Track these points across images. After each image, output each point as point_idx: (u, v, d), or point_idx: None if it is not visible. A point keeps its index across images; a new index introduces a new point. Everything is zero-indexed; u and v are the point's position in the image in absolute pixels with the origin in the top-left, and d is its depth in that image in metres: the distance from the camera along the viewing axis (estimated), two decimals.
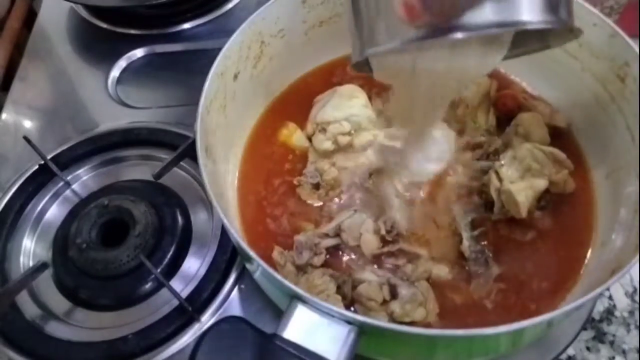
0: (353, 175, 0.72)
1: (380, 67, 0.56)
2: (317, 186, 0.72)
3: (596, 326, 0.71)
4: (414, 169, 0.70)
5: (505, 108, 0.75)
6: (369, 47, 0.50)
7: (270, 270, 0.51)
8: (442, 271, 0.64)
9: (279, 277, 0.51)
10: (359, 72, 0.57)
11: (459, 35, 0.44)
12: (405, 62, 0.54)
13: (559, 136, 0.73)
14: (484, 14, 0.44)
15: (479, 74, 0.58)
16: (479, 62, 0.54)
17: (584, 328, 0.68)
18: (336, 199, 0.71)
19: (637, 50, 0.63)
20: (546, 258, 0.65)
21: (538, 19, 0.45)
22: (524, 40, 0.56)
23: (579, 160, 0.71)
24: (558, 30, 0.51)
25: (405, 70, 0.54)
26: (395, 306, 0.60)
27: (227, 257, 0.74)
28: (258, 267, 0.54)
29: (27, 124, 0.94)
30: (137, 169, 0.85)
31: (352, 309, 0.63)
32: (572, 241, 0.67)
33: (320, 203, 0.71)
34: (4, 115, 0.95)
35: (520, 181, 0.65)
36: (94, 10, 1.08)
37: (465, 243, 0.65)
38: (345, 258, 0.66)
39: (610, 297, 0.73)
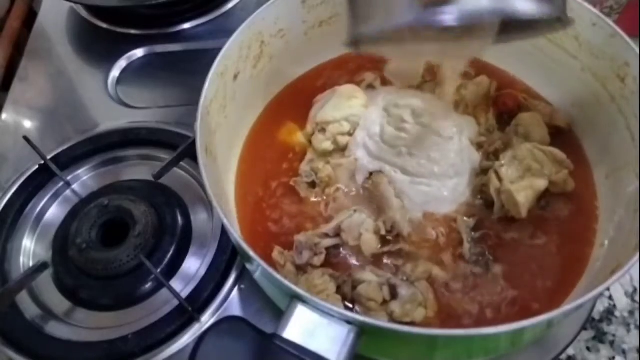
0: (351, 174, 0.72)
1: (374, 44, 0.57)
2: (312, 184, 0.72)
3: (596, 326, 0.71)
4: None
5: (505, 108, 0.75)
6: (365, 27, 0.50)
7: (270, 270, 0.51)
8: (442, 271, 0.64)
9: (279, 277, 0.51)
10: (352, 48, 0.56)
11: (451, 21, 0.44)
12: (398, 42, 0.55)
13: (559, 136, 0.73)
14: (480, 2, 0.44)
15: (466, 57, 0.58)
16: (466, 47, 0.54)
17: (584, 328, 0.68)
18: (336, 199, 0.71)
19: (637, 50, 0.63)
20: (547, 258, 0.65)
21: (531, 9, 0.45)
22: (512, 27, 0.56)
23: (579, 160, 0.71)
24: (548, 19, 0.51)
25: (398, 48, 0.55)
26: (395, 306, 0.60)
27: (227, 257, 0.74)
28: (258, 267, 0.54)
29: (27, 124, 0.94)
30: (137, 169, 0.85)
31: (351, 306, 0.63)
32: (574, 241, 0.66)
33: (318, 199, 0.71)
34: (4, 115, 0.95)
35: (520, 181, 0.65)
36: (94, 10, 1.08)
37: (466, 245, 0.65)
38: (345, 258, 0.66)
39: (610, 297, 0.73)
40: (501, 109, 0.76)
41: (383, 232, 0.66)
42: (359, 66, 0.82)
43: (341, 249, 0.67)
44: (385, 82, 0.80)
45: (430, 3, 0.44)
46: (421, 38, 0.54)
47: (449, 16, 0.44)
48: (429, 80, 0.77)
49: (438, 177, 0.69)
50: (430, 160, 0.69)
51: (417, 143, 0.69)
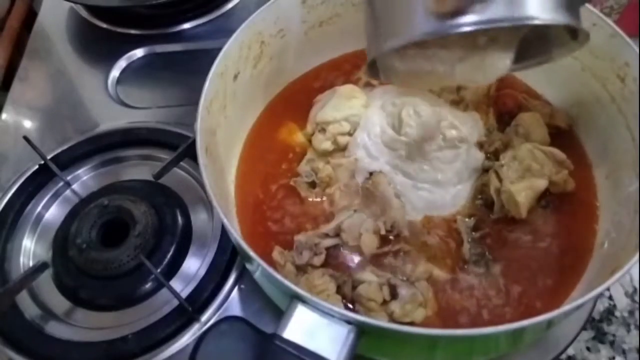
0: (351, 174, 0.72)
1: (388, 69, 0.57)
2: (313, 184, 0.72)
3: (596, 326, 0.71)
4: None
5: (505, 108, 0.75)
6: (386, 42, 0.49)
7: (271, 270, 0.51)
8: (442, 271, 0.64)
9: (279, 277, 0.51)
10: (373, 76, 0.57)
11: (469, 27, 0.44)
12: (415, 66, 0.55)
13: (560, 136, 0.72)
14: (496, 9, 0.44)
15: (483, 81, 0.58)
16: (483, 69, 0.54)
17: (584, 328, 0.68)
18: (336, 199, 0.71)
19: (637, 50, 0.63)
20: (547, 258, 0.65)
21: (548, 16, 0.46)
22: (528, 51, 0.56)
23: (579, 160, 0.71)
24: (564, 38, 0.51)
25: (413, 74, 0.55)
26: (395, 306, 0.60)
27: (227, 257, 0.74)
28: (258, 267, 0.54)
29: (27, 124, 0.94)
30: (137, 169, 0.85)
31: (351, 306, 0.63)
32: (573, 241, 0.66)
33: (318, 199, 0.71)
34: (4, 115, 0.95)
35: (520, 181, 0.65)
36: (94, 10, 1.08)
37: (466, 246, 0.65)
38: (345, 258, 0.66)
39: (610, 297, 0.73)
40: (501, 109, 0.75)
41: (383, 232, 0.65)
42: (356, 66, 0.82)
43: (341, 249, 0.67)
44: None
45: (447, 13, 0.45)
46: (439, 59, 0.54)
47: (466, 22, 0.44)
48: None
49: (441, 185, 0.69)
50: (434, 167, 0.69)
51: (419, 149, 0.69)
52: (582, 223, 0.68)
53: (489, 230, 0.67)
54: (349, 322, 0.48)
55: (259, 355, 0.47)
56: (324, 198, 0.71)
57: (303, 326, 0.48)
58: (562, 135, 0.73)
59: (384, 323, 0.56)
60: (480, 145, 0.72)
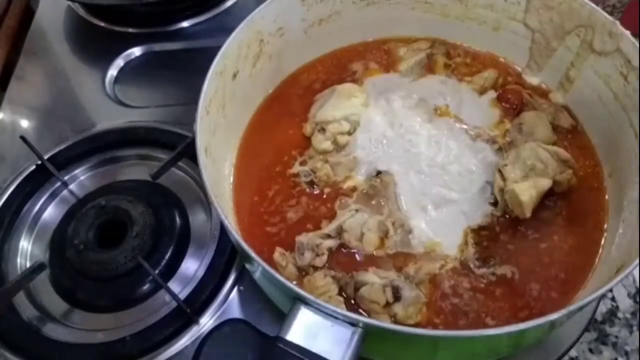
0: (351, 173, 0.71)
1: None
2: (312, 184, 0.71)
3: (599, 327, 0.71)
4: None
5: (508, 103, 0.75)
6: None
7: (273, 272, 0.51)
8: (445, 272, 0.64)
9: (281, 279, 0.50)
10: None
11: None
12: None
13: (564, 134, 0.73)
14: None
15: None
16: None
17: (586, 330, 0.68)
18: (335, 198, 0.70)
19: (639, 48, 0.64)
20: (552, 258, 0.65)
21: None
22: None
23: (583, 158, 0.71)
24: None
25: None
26: (398, 308, 0.59)
27: (226, 258, 0.73)
28: (258, 267, 0.54)
29: (24, 123, 0.93)
30: (135, 169, 0.85)
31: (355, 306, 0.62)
32: (578, 241, 0.66)
33: (318, 199, 0.70)
34: (0, 115, 0.94)
35: (523, 181, 0.65)
36: (92, 8, 1.07)
37: (471, 250, 0.65)
38: (347, 259, 0.66)
39: (612, 299, 0.73)
40: (504, 104, 0.76)
41: (392, 232, 0.65)
42: (355, 63, 0.82)
43: (343, 250, 0.66)
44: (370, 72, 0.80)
45: None
46: None
47: None
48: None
49: (449, 186, 0.68)
50: (444, 169, 0.69)
51: (427, 155, 0.69)
52: (588, 223, 0.67)
53: (493, 231, 0.66)
54: (352, 324, 0.48)
55: (261, 357, 0.47)
56: (324, 197, 0.70)
57: (306, 328, 0.48)
58: (566, 134, 0.73)
59: (389, 325, 0.56)
60: (493, 141, 0.72)
